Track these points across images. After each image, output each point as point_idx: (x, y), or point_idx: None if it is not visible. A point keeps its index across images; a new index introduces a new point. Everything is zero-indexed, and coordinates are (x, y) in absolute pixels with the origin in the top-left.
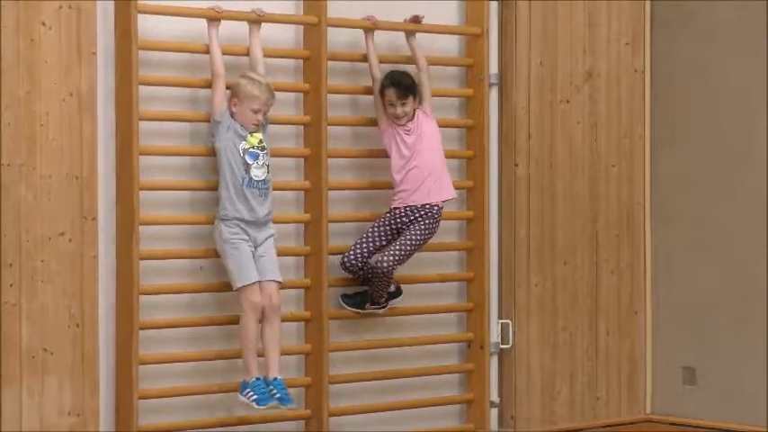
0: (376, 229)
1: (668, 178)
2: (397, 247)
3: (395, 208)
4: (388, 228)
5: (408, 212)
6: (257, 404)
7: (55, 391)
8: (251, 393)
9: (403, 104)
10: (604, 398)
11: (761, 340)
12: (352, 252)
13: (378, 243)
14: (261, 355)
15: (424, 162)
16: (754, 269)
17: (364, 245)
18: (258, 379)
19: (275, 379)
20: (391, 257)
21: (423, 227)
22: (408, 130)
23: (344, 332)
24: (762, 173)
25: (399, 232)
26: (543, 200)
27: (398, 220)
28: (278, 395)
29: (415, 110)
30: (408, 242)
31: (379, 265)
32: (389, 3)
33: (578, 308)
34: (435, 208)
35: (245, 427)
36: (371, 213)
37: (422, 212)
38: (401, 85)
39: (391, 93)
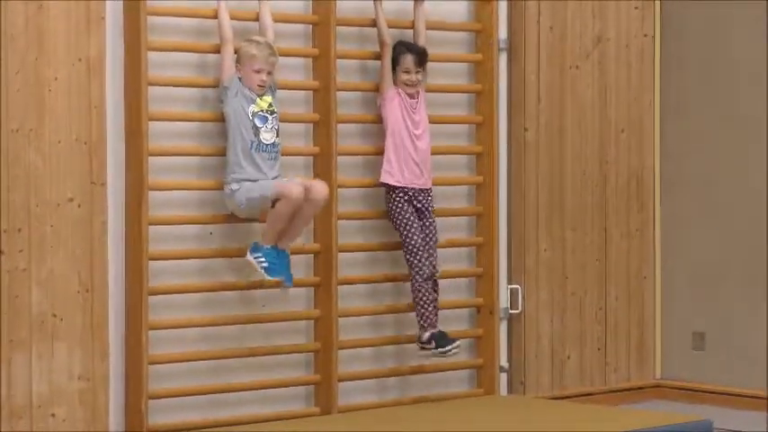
0: (410, 222)
1: (678, 143)
2: (433, 245)
3: (409, 188)
4: (413, 214)
5: (419, 193)
6: (266, 272)
7: (65, 356)
8: (261, 258)
9: (417, 72)
10: (614, 363)
11: None
12: (424, 265)
13: (420, 235)
14: None
15: (427, 144)
16: (764, 234)
17: (419, 249)
18: (273, 247)
19: (283, 250)
20: (435, 260)
21: (433, 216)
22: (415, 109)
23: (353, 298)
24: None
25: (417, 214)
26: (552, 165)
27: (415, 201)
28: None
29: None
30: (435, 232)
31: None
32: None
33: (587, 273)
34: (431, 192)
35: (255, 393)
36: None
37: (428, 197)
38: (419, 53)
39: (409, 59)
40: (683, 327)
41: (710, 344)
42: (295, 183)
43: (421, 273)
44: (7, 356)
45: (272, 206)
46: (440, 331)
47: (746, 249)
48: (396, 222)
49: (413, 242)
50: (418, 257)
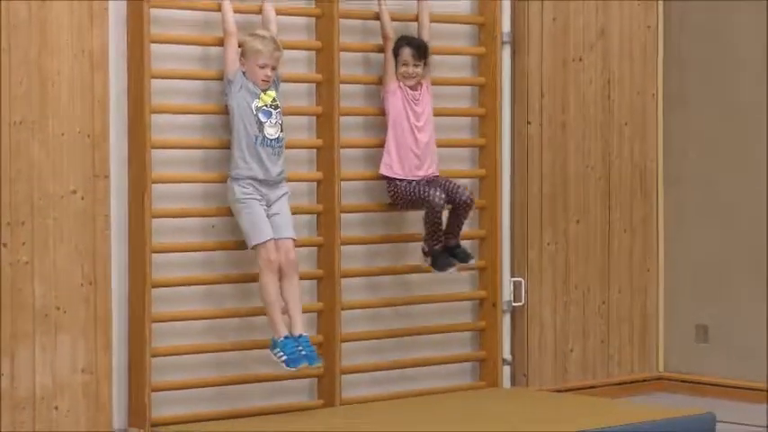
0: (411, 187)
1: (681, 136)
2: (454, 184)
3: (408, 179)
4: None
5: (422, 183)
6: (287, 365)
7: (68, 349)
8: (281, 354)
9: (416, 66)
10: (617, 356)
11: None
12: (435, 194)
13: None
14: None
15: (430, 135)
16: (767, 227)
17: (428, 188)
18: (287, 338)
19: (300, 336)
20: (464, 191)
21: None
22: (417, 101)
23: (357, 290)
24: None
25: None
26: (555, 158)
27: (419, 191)
28: (304, 352)
29: (421, 79)
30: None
31: (464, 201)
32: None
33: (591, 266)
34: None
35: (258, 385)
36: None
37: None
38: (419, 47)
39: (407, 52)
40: (686, 320)
41: (713, 337)
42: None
43: (433, 200)
44: (10, 349)
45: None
46: (440, 254)
47: (749, 242)
48: (399, 201)
49: (418, 188)
50: (428, 194)
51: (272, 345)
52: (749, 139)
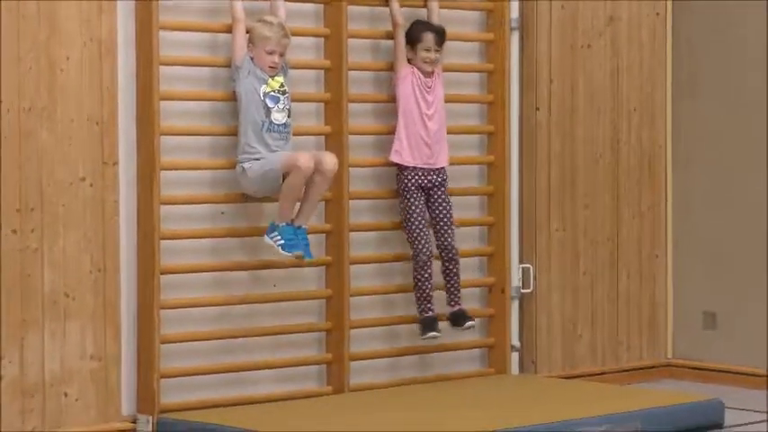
0: (415, 204)
1: (689, 123)
2: (449, 222)
3: (416, 167)
4: (421, 196)
5: (429, 173)
6: (283, 249)
7: (77, 335)
8: (278, 237)
9: (437, 51)
10: (625, 342)
11: None
12: (423, 246)
13: (425, 216)
14: None
15: (441, 123)
16: None
17: (421, 230)
18: (289, 225)
19: (300, 227)
20: (452, 237)
21: (446, 190)
22: (429, 88)
23: (365, 277)
24: None
25: (426, 195)
26: (564, 144)
27: (424, 180)
28: (303, 243)
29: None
30: (450, 210)
31: (451, 251)
32: None
33: (599, 252)
34: (444, 171)
35: (267, 372)
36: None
37: (441, 176)
38: (440, 32)
39: (430, 38)
40: (695, 306)
41: (722, 324)
42: (303, 153)
43: (418, 255)
44: (20, 336)
45: (283, 180)
46: (428, 317)
47: (758, 229)
48: (400, 200)
49: (412, 223)
50: (417, 238)
51: (270, 228)
52: (757, 125)
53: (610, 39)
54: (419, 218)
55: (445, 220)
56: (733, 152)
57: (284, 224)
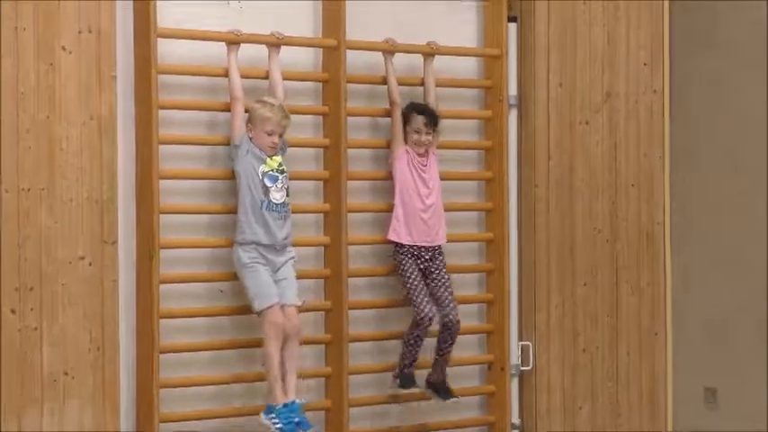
0: (414, 275)
1: (688, 198)
2: (450, 296)
3: (416, 246)
4: (418, 270)
5: (427, 251)
6: None
7: (76, 414)
8: (276, 420)
9: (428, 133)
10: (626, 418)
11: None
12: (426, 307)
13: (425, 286)
14: None
15: (438, 201)
16: None
17: (424, 296)
18: (285, 406)
19: (293, 402)
20: (454, 309)
21: (444, 267)
22: (425, 166)
23: (364, 355)
24: None
25: (424, 271)
26: (563, 221)
27: (421, 258)
28: (297, 420)
29: (430, 146)
30: (449, 285)
31: (454, 323)
32: (408, 25)
33: (598, 328)
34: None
35: None
36: None
37: (438, 252)
38: (432, 115)
39: (420, 120)
40: (695, 382)
41: (722, 399)
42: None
43: (423, 318)
44: (19, 414)
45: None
46: (411, 373)
47: (758, 304)
48: (401, 278)
49: (414, 289)
50: (421, 303)
51: (268, 410)
52: (755, 200)
53: (607, 115)
54: (419, 285)
55: (446, 294)
56: (732, 227)
57: (280, 405)
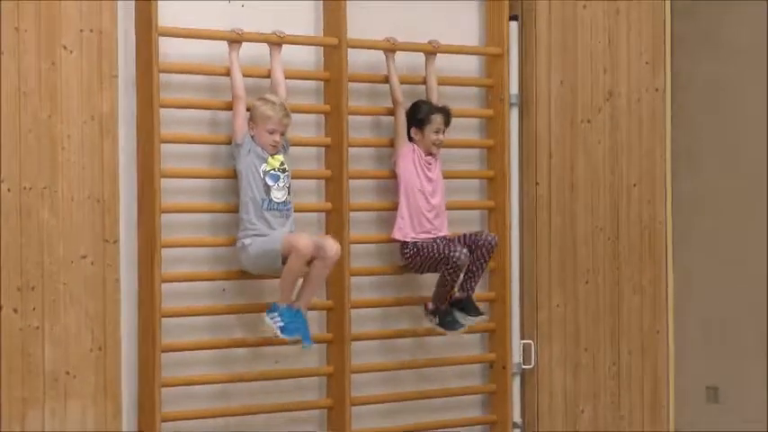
0: (431, 248)
1: (689, 197)
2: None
3: (435, 238)
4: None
5: (443, 240)
6: (282, 332)
7: (78, 414)
8: (278, 318)
9: (444, 132)
10: (627, 417)
11: None
12: (458, 247)
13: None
14: None
15: (442, 199)
16: None
17: (452, 244)
18: (290, 307)
19: (299, 310)
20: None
21: None
22: (430, 165)
23: (366, 354)
24: None
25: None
26: (564, 220)
27: (442, 248)
28: (299, 327)
29: None
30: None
31: (489, 239)
32: (410, 24)
33: (600, 327)
34: None
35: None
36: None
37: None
38: (449, 114)
39: (439, 120)
40: (697, 381)
41: (724, 398)
42: (304, 237)
43: (457, 259)
44: (21, 414)
45: (284, 262)
46: (446, 307)
47: (760, 302)
48: (421, 265)
49: (445, 250)
50: (451, 251)
51: (271, 308)
52: (757, 199)
53: (609, 114)
54: (440, 245)
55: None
56: (734, 226)
57: (284, 306)
